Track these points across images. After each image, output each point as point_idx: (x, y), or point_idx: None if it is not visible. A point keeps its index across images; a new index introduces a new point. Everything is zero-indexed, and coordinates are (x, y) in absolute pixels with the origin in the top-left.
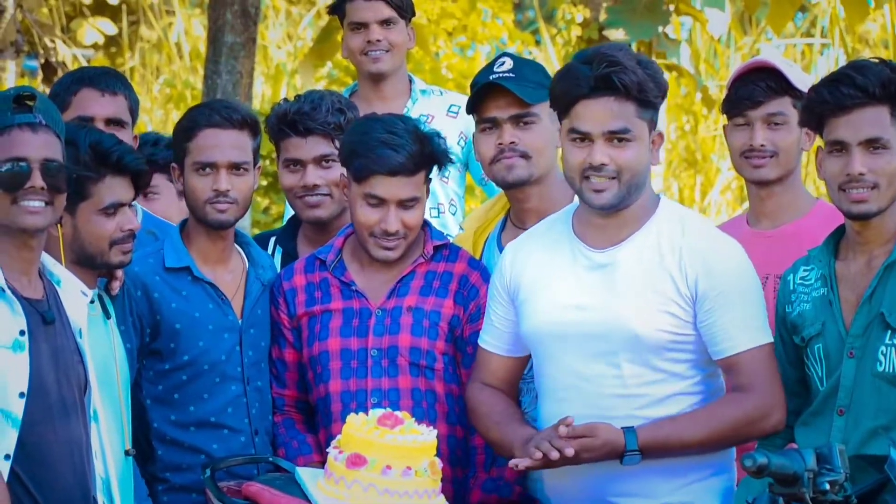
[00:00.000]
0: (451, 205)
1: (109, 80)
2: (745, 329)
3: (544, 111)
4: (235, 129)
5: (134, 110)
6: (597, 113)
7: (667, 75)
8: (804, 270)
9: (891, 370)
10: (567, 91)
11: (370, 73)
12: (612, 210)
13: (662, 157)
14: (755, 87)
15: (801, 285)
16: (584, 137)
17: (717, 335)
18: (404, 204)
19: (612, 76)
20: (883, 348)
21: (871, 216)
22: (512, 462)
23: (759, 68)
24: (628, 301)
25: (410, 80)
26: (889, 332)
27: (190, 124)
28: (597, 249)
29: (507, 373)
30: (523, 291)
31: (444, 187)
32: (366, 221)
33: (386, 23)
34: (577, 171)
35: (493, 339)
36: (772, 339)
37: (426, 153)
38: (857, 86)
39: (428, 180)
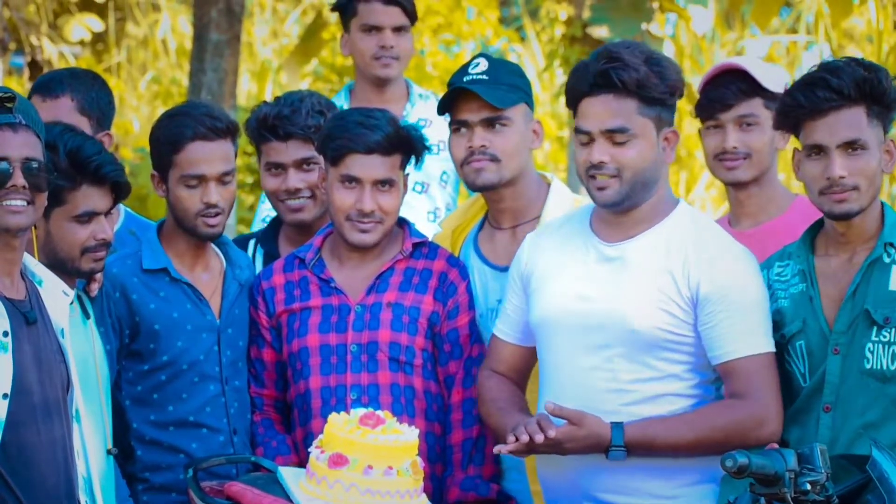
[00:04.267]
0: (448, 209)
1: (53, 84)
2: (745, 335)
3: (517, 114)
4: (221, 139)
5: (88, 109)
6: (596, 111)
7: None
8: (779, 266)
9: (878, 367)
10: (573, 88)
11: (377, 77)
12: (616, 207)
13: None
14: (725, 90)
15: (778, 281)
16: (588, 136)
17: (716, 340)
18: (380, 186)
19: (609, 72)
20: (870, 345)
21: (852, 216)
22: (496, 448)
23: (729, 70)
24: (629, 295)
25: (408, 85)
26: (875, 328)
27: (175, 137)
28: (608, 243)
29: (517, 362)
30: (535, 280)
31: (443, 192)
32: (342, 205)
33: (399, 29)
34: (582, 169)
35: (505, 328)
36: (773, 349)
37: (402, 136)
38: (832, 88)
39: (405, 173)
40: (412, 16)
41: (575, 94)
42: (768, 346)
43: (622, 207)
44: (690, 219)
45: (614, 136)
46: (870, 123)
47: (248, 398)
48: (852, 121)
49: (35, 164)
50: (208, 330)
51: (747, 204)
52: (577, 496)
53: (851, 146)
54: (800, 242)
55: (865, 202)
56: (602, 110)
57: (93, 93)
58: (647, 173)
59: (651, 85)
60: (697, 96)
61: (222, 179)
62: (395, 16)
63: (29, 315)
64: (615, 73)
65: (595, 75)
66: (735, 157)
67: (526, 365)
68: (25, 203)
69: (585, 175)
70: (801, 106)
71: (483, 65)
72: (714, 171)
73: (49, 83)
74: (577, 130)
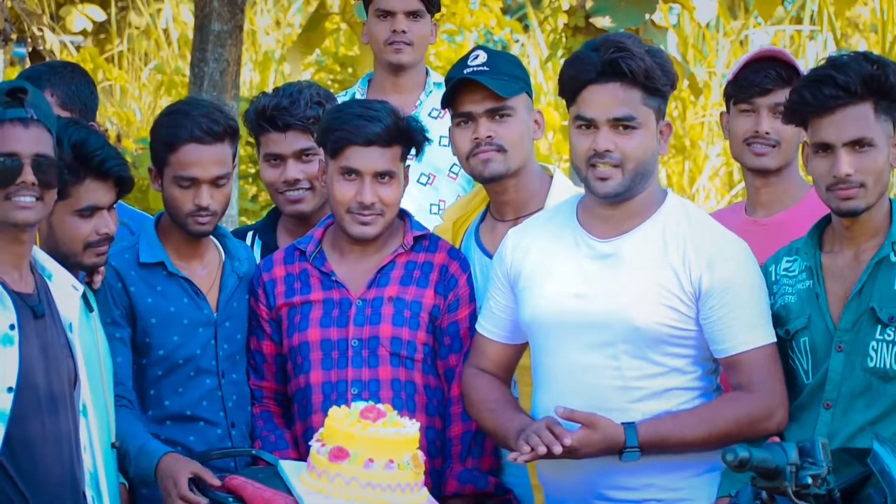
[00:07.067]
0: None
1: (31, 81)
2: (749, 328)
3: (520, 104)
4: (217, 142)
5: (70, 103)
6: (603, 99)
7: None
8: (787, 261)
9: (881, 366)
10: (575, 77)
11: (390, 63)
12: (616, 199)
13: None
14: (765, 75)
15: (785, 276)
16: (590, 124)
17: (721, 333)
18: (380, 177)
19: (619, 61)
20: (874, 343)
21: (859, 213)
22: (511, 456)
23: (769, 57)
24: (630, 292)
25: (427, 73)
26: (880, 326)
27: (171, 137)
28: (601, 239)
29: (504, 360)
30: (524, 279)
31: (453, 183)
32: (342, 197)
33: (413, 15)
34: (582, 158)
35: (491, 326)
36: (775, 339)
37: (401, 128)
38: (839, 85)
39: (406, 165)
40: (429, 2)
41: (577, 83)
42: (771, 336)
43: (619, 199)
44: (682, 211)
45: (620, 124)
46: (877, 119)
47: (247, 391)
48: (859, 118)
49: (45, 161)
50: (205, 324)
51: (764, 192)
52: (585, 495)
53: (858, 144)
54: (807, 238)
55: (872, 199)
56: (609, 98)
57: (73, 85)
58: (647, 164)
59: (656, 76)
60: (701, 87)
61: (216, 182)
62: (408, 1)
63: (37, 309)
64: (624, 62)
65: (603, 63)
66: (766, 142)
67: (513, 362)
68: (35, 199)
69: (586, 164)
70: (807, 103)
71: (482, 57)
72: (740, 155)
73: (27, 80)
74: (579, 118)
